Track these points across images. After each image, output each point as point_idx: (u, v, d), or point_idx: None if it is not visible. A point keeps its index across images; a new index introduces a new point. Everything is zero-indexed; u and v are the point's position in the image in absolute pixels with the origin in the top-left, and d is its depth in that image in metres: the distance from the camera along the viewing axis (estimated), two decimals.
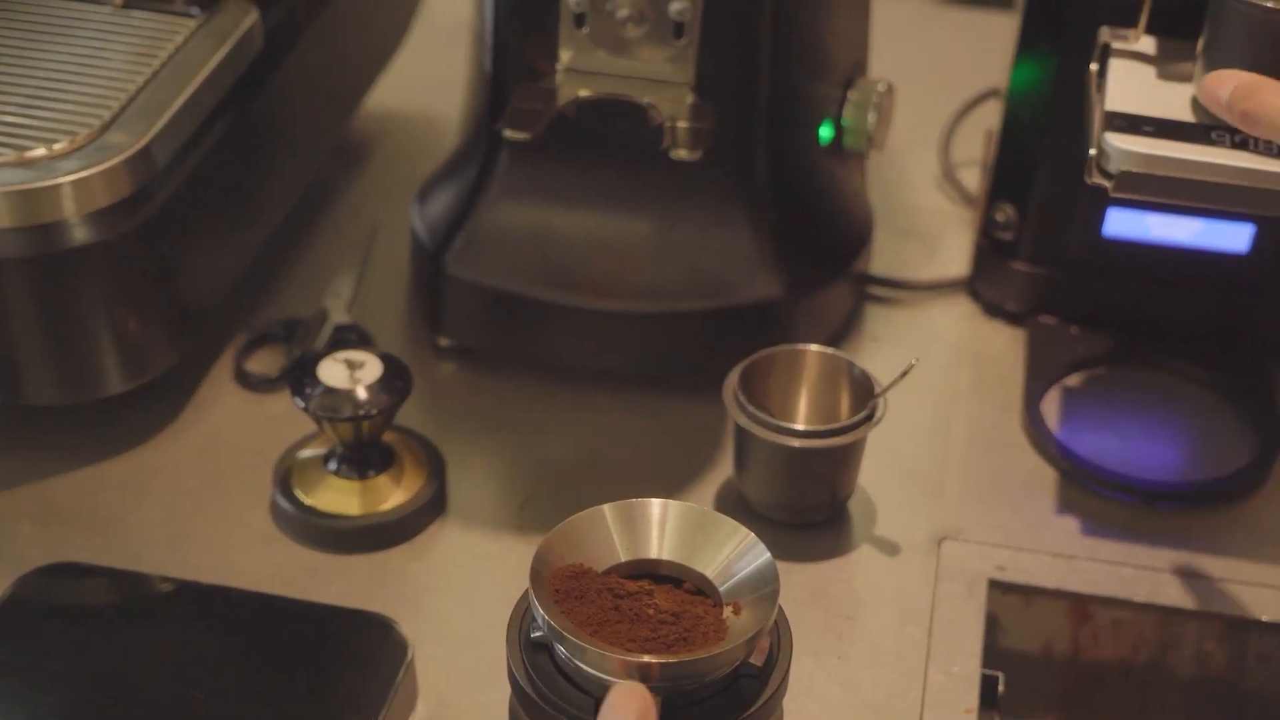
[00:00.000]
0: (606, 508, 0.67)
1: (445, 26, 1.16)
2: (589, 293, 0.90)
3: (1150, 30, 0.85)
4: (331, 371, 0.81)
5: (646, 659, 0.61)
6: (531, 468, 0.89)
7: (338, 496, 0.83)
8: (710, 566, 0.66)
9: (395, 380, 0.82)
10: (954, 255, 1.05)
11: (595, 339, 0.91)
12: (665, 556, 0.67)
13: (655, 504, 0.67)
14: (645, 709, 0.59)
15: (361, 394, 0.81)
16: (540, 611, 0.63)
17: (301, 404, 0.80)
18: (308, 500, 0.83)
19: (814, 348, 0.87)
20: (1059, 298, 0.99)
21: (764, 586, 0.65)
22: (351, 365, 0.82)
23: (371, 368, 0.82)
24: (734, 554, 0.66)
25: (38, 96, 0.83)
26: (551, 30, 0.87)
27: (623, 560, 0.66)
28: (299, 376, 0.82)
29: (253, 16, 0.90)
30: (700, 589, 0.66)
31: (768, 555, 0.66)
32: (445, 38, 1.14)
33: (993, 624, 0.84)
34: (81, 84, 0.84)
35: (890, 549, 0.85)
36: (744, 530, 0.67)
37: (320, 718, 0.71)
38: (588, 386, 0.93)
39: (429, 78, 1.16)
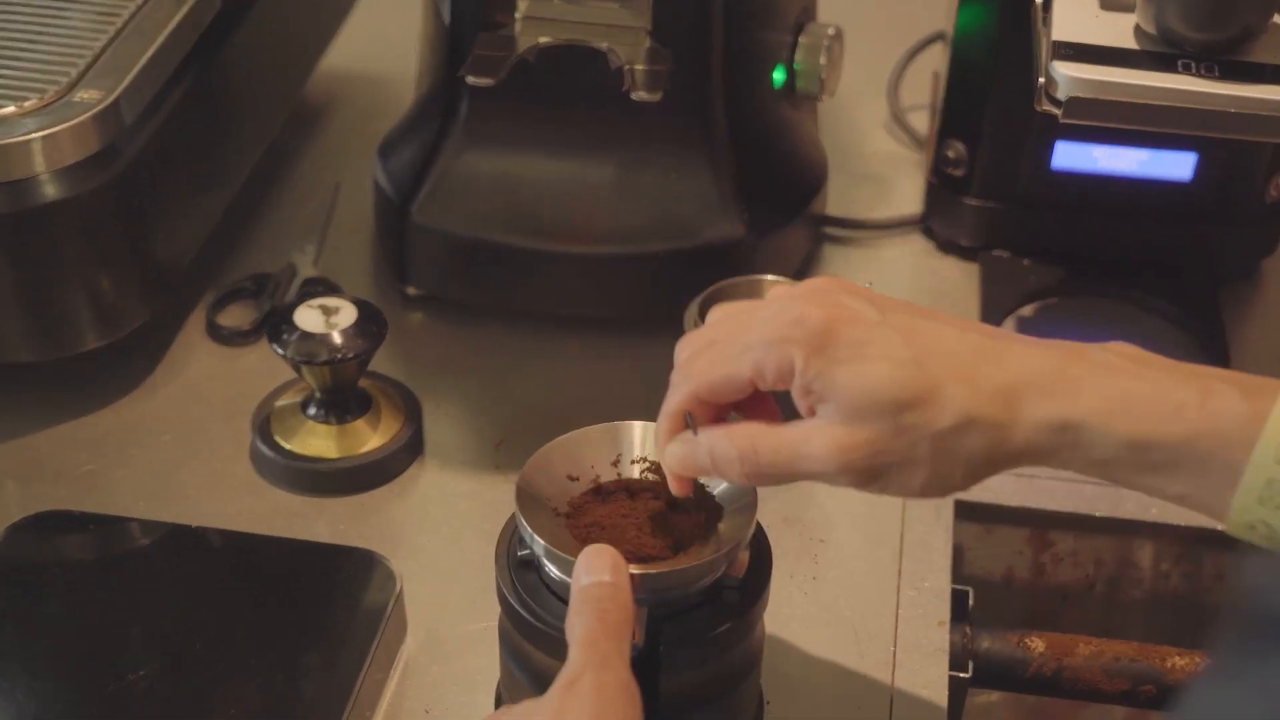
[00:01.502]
0: (590, 429, 0.69)
1: None
2: (555, 238, 0.92)
3: None
4: (307, 318, 0.83)
5: (630, 569, 0.63)
6: (505, 410, 0.90)
7: (317, 441, 0.84)
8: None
9: (370, 325, 0.83)
10: (906, 196, 1.07)
11: (562, 283, 0.93)
12: (648, 476, 0.69)
13: (636, 426, 0.69)
14: (616, 563, 0.61)
15: (337, 338, 0.82)
16: (527, 529, 0.64)
17: (280, 350, 0.82)
18: (288, 445, 0.84)
19: (770, 277, 0.88)
20: (1010, 231, 1.01)
21: (740, 499, 0.67)
22: (326, 311, 0.83)
23: (346, 313, 0.83)
24: None
25: (3, 56, 0.84)
26: None
27: (605, 480, 0.68)
28: (275, 324, 0.83)
29: None
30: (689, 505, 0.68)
31: None
32: None
33: (958, 553, 0.87)
34: (46, 43, 0.85)
35: None
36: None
37: (313, 652, 0.73)
38: (557, 330, 0.95)
39: (378, 38, 1.17)
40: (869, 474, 0.61)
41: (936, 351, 0.60)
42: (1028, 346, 0.61)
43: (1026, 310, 0.99)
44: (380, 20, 1.17)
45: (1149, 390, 0.59)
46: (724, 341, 0.64)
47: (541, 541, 0.64)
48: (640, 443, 0.69)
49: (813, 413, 0.61)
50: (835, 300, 0.62)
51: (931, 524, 0.84)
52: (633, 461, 0.69)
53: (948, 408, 0.59)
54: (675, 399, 0.65)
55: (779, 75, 0.97)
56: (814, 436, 0.61)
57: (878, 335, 0.60)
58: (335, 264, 1.00)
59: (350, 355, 0.82)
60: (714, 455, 0.63)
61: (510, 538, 0.68)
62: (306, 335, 0.82)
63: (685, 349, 0.66)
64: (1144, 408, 0.58)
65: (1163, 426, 0.58)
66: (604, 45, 0.88)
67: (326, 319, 0.83)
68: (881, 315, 0.61)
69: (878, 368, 0.60)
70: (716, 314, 0.67)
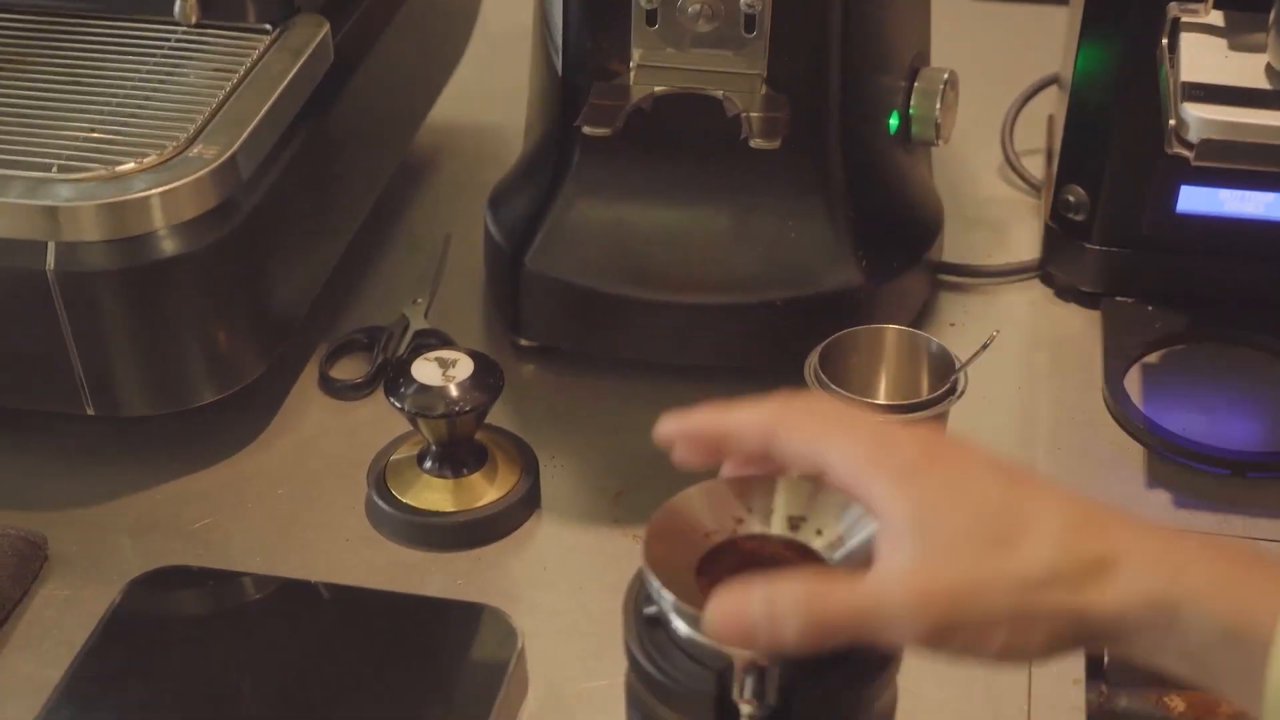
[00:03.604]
0: (715, 482, 0.67)
1: (494, 37, 1.18)
2: (670, 287, 0.91)
3: (1219, 5, 0.85)
4: (424, 371, 0.82)
5: None
6: (622, 462, 0.89)
7: (434, 495, 0.84)
8: (821, 539, 0.67)
9: (487, 377, 0.83)
10: (1023, 241, 1.06)
11: (677, 333, 0.92)
12: (775, 530, 0.67)
13: (763, 477, 0.68)
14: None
15: (454, 391, 0.81)
16: (655, 585, 0.63)
17: (397, 403, 0.81)
18: (404, 499, 0.84)
19: (893, 327, 0.87)
20: (1133, 277, 0.99)
21: (868, 558, 0.65)
22: (443, 364, 0.82)
23: (463, 366, 0.83)
24: (846, 525, 0.66)
25: (122, 113, 0.84)
26: (623, 29, 0.88)
27: (735, 534, 0.67)
28: (392, 377, 0.82)
29: (324, 29, 0.91)
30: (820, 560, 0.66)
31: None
32: (495, 48, 1.15)
33: None
34: (164, 100, 0.85)
35: None
36: (855, 501, 0.67)
37: (434, 709, 0.72)
38: (672, 379, 0.93)
39: (485, 88, 1.17)
40: (945, 629, 0.56)
41: (1034, 500, 0.56)
42: (1132, 517, 0.57)
43: (1152, 358, 0.96)
44: (486, 71, 1.17)
45: (1257, 578, 0.54)
46: (821, 419, 0.61)
47: (670, 597, 0.62)
48: (766, 494, 0.67)
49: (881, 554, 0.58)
50: (931, 437, 0.59)
51: None
52: (761, 516, 0.67)
53: (1038, 557, 0.55)
54: (751, 417, 0.61)
55: (894, 121, 0.96)
56: (890, 583, 0.57)
57: (972, 474, 0.57)
58: (446, 315, 1.00)
59: (468, 408, 0.81)
60: (772, 609, 0.58)
61: (637, 594, 0.66)
62: (424, 388, 0.81)
63: (783, 396, 0.62)
64: (1247, 591, 0.54)
65: (1264, 614, 0.53)
66: (719, 93, 0.87)
67: (443, 372, 0.82)
68: (977, 458, 0.58)
69: (969, 505, 0.56)
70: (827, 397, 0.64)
